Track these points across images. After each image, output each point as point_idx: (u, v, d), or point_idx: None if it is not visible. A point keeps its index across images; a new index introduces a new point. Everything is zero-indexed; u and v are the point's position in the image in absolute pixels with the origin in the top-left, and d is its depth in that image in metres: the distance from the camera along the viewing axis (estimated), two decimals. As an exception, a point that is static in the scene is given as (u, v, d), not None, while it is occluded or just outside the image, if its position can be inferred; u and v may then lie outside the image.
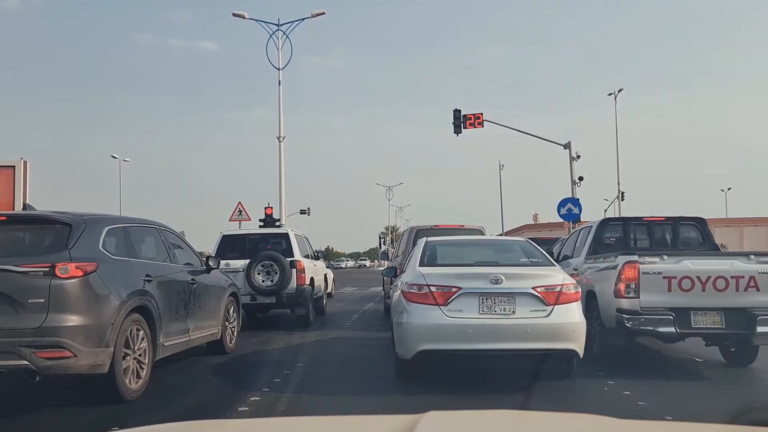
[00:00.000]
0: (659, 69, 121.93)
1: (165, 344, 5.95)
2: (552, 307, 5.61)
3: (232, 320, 8.11)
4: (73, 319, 4.79)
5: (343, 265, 78.16)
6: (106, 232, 5.49)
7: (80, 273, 4.90)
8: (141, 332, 5.50)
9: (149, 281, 5.73)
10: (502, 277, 5.66)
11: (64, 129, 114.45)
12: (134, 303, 5.38)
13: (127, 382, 5.24)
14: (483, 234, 12.09)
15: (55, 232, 5.20)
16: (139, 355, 5.46)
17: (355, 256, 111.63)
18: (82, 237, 5.17)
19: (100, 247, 5.30)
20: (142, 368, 5.50)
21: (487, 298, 5.63)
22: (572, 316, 5.69)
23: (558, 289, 5.69)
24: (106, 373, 4.99)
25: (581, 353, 5.70)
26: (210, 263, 7.50)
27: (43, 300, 4.71)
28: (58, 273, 4.78)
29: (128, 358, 5.27)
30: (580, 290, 5.96)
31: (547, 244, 10.64)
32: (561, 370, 6.00)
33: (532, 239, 8.07)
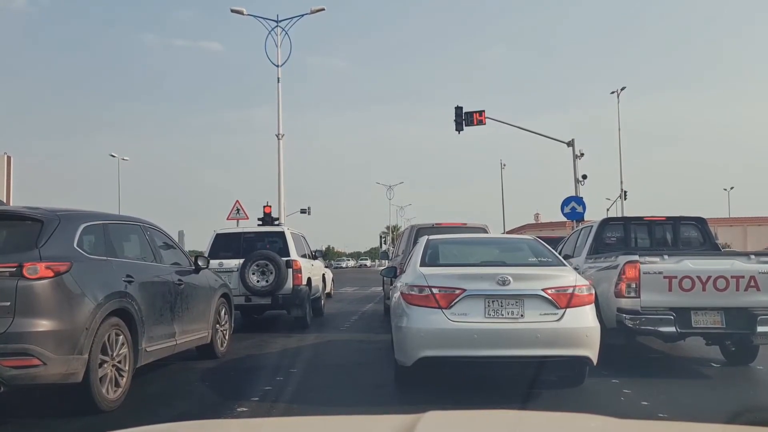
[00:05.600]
0: (663, 68, 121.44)
1: (148, 350, 5.55)
2: (564, 310, 5.21)
3: (223, 323, 7.71)
4: (43, 324, 4.39)
5: (344, 265, 77.85)
6: (82, 229, 5.09)
7: (51, 274, 4.49)
8: (120, 337, 5.10)
9: (130, 282, 5.33)
10: (510, 278, 5.25)
11: (64, 129, 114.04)
12: (113, 306, 4.98)
13: (104, 391, 4.84)
14: (487, 233, 11.68)
15: (25, 230, 4.80)
16: (119, 362, 5.06)
17: (356, 255, 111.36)
18: (55, 234, 4.77)
19: (75, 246, 4.90)
20: (121, 376, 5.10)
21: (493, 301, 5.22)
22: (585, 320, 5.28)
23: (570, 290, 5.28)
24: (81, 382, 4.60)
25: (595, 360, 5.30)
26: (199, 263, 7.09)
27: (8, 303, 4.31)
28: (25, 273, 4.39)
29: (106, 365, 4.87)
30: (593, 292, 5.57)
31: (553, 243, 10.27)
32: (571, 378, 5.60)
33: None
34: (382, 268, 16.29)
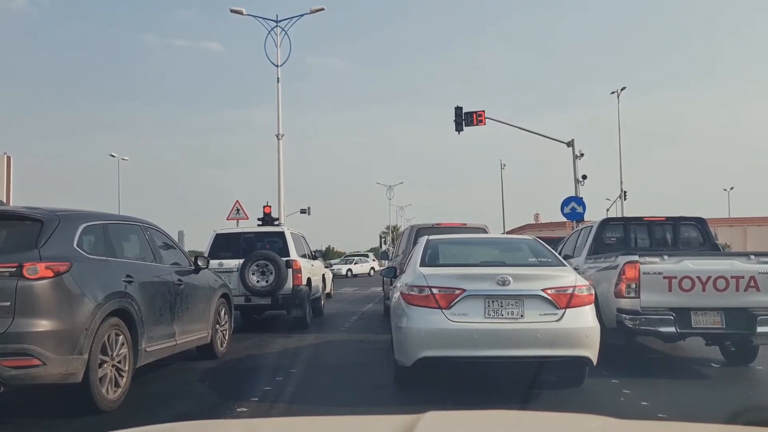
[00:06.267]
0: (663, 68, 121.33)
1: (148, 350, 5.55)
2: (563, 310, 5.21)
3: (223, 323, 7.71)
4: (42, 324, 4.40)
5: (344, 265, 77.68)
6: (82, 229, 5.09)
7: (50, 274, 4.50)
8: (120, 337, 5.10)
9: (130, 282, 5.34)
10: (510, 278, 5.25)
11: (64, 129, 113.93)
12: (113, 306, 4.98)
13: (104, 391, 4.84)
14: (487, 233, 11.68)
15: (24, 230, 4.80)
16: (118, 362, 5.06)
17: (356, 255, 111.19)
18: (55, 234, 4.77)
19: (75, 246, 4.90)
20: (121, 376, 5.10)
21: (493, 301, 5.22)
22: (585, 320, 5.28)
23: (570, 291, 5.29)
24: (80, 382, 4.60)
25: (595, 360, 5.30)
26: (199, 263, 7.09)
27: (8, 303, 4.31)
28: (25, 273, 4.39)
29: (105, 365, 4.88)
30: (593, 292, 5.58)
31: (553, 243, 10.28)
32: (571, 378, 5.60)
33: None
34: (382, 268, 16.24)
